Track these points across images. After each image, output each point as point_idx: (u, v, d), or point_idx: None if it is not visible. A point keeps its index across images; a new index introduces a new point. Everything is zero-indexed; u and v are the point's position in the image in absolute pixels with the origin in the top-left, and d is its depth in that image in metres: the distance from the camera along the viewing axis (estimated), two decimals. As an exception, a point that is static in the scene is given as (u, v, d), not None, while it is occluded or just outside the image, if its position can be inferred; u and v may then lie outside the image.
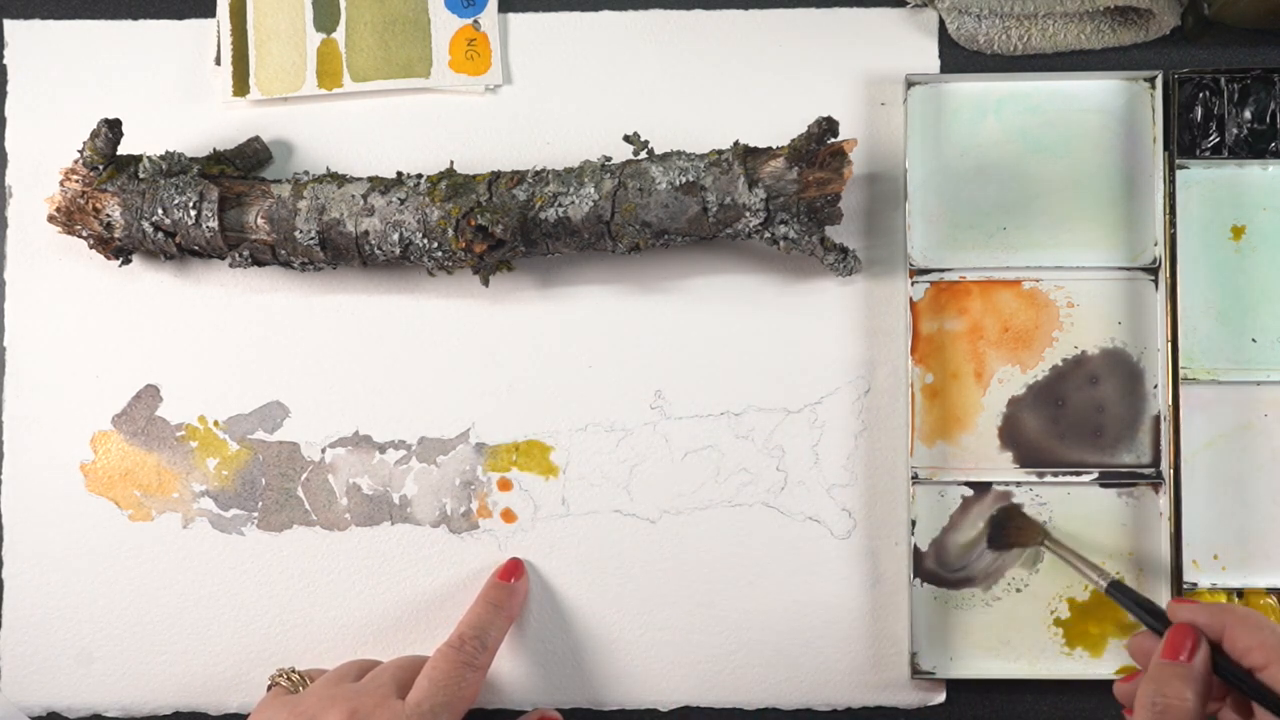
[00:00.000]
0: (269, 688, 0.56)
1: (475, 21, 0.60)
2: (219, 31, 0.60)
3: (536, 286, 0.59)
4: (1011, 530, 0.57)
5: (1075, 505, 0.58)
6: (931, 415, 0.58)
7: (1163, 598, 0.57)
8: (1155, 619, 0.50)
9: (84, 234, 0.57)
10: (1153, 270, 0.58)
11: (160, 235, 0.56)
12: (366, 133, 0.60)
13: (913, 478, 0.57)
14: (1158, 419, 0.57)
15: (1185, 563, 0.57)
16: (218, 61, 0.60)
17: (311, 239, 0.55)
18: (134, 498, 0.59)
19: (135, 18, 0.61)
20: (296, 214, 0.55)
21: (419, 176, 0.56)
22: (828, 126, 0.53)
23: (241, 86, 0.60)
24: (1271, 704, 0.45)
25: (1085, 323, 0.58)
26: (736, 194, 0.54)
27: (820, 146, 0.53)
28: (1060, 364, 0.58)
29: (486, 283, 0.57)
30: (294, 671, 0.55)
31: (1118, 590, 0.52)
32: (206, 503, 0.59)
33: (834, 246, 0.55)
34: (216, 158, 0.58)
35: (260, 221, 0.56)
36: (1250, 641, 0.46)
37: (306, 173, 0.58)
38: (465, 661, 0.52)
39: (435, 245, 0.55)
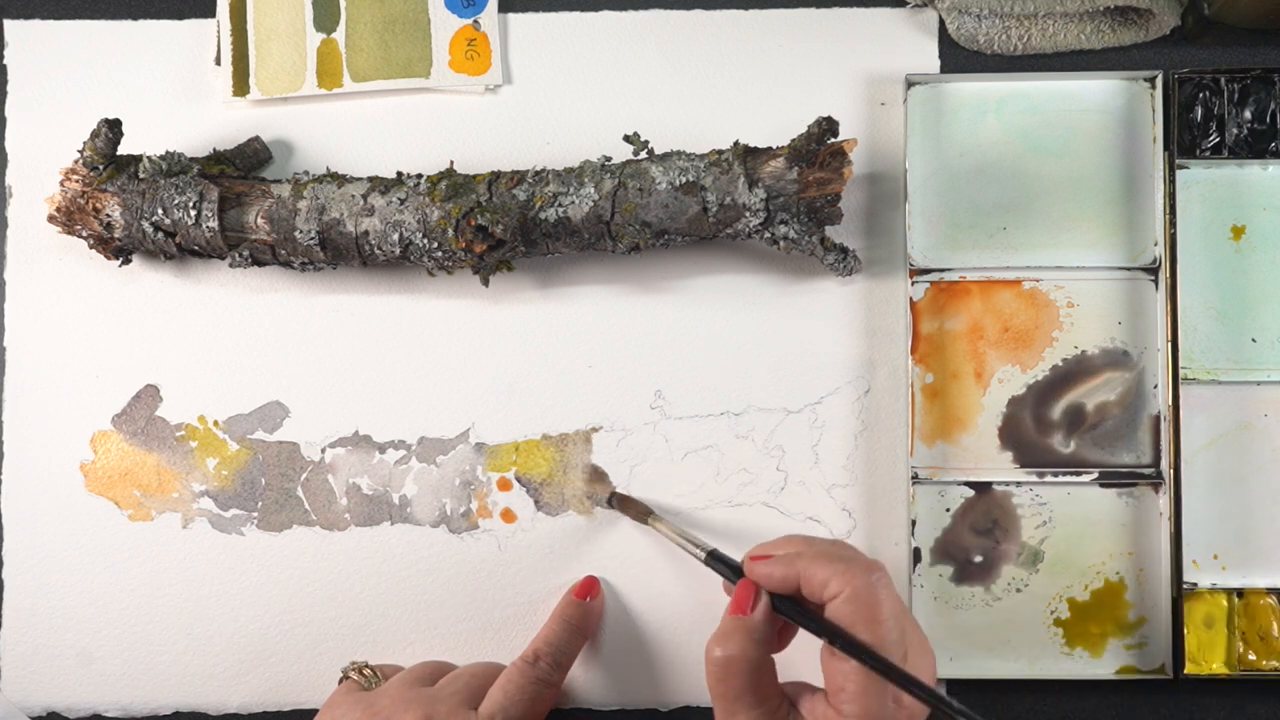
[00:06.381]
0: (340, 680, 0.55)
1: (475, 21, 0.60)
2: (219, 31, 0.60)
3: (536, 286, 0.59)
4: (618, 501, 0.58)
5: (1075, 505, 0.58)
6: (931, 415, 0.58)
7: (1163, 597, 0.57)
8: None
9: (84, 234, 0.57)
10: (1153, 270, 0.58)
11: (160, 235, 0.56)
12: (366, 133, 0.60)
13: (913, 478, 0.57)
14: (1158, 419, 0.57)
15: (1185, 563, 0.56)
16: (218, 61, 0.60)
17: (311, 239, 0.55)
18: (134, 498, 0.59)
19: (135, 18, 0.61)
20: (296, 214, 0.55)
21: (419, 176, 0.56)
22: (828, 126, 0.53)
23: (241, 86, 0.60)
24: (828, 636, 0.46)
25: (1085, 323, 0.58)
26: (736, 194, 0.54)
27: (820, 146, 0.53)
28: (1060, 364, 0.58)
29: (486, 283, 0.57)
30: (366, 666, 0.55)
31: (715, 559, 0.52)
32: (206, 503, 0.59)
33: (834, 246, 0.55)
34: (216, 158, 0.58)
35: (260, 221, 0.56)
36: (824, 575, 0.47)
37: (306, 173, 0.57)
38: (539, 678, 0.53)
39: (435, 245, 0.55)
